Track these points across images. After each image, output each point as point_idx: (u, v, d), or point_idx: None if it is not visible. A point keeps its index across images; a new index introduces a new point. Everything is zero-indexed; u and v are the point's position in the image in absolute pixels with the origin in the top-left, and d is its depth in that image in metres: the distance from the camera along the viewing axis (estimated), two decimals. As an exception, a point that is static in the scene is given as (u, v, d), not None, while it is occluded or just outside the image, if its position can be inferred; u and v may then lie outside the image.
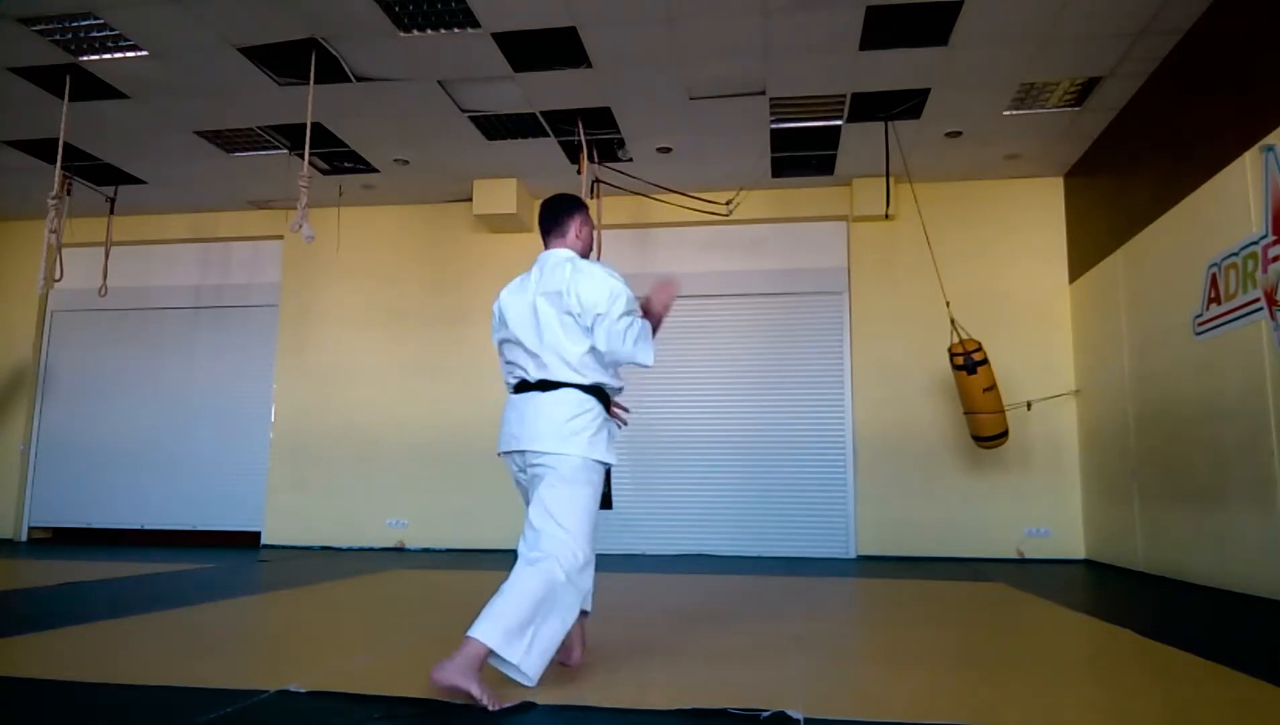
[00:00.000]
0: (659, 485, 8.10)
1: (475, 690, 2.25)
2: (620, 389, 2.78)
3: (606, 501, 2.67)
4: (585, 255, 2.87)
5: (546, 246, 2.86)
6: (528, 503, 2.62)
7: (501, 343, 2.80)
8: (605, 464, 2.64)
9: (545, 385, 2.62)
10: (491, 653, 2.30)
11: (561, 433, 2.56)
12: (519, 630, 2.32)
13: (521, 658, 2.31)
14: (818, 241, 8.30)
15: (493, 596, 2.38)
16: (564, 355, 2.61)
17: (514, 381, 2.75)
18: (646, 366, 2.66)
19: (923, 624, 3.81)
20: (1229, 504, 5.05)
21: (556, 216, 2.87)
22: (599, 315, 2.58)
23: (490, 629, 2.30)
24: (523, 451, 2.62)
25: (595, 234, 7.33)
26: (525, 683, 2.34)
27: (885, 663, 2.93)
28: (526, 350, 2.67)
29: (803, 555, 7.66)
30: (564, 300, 2.62)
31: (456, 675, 2.25)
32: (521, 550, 2.49)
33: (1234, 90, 5.01)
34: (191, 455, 8.99)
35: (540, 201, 2.94)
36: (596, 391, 2.65)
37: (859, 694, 2.50)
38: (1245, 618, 4.17)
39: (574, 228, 2.86)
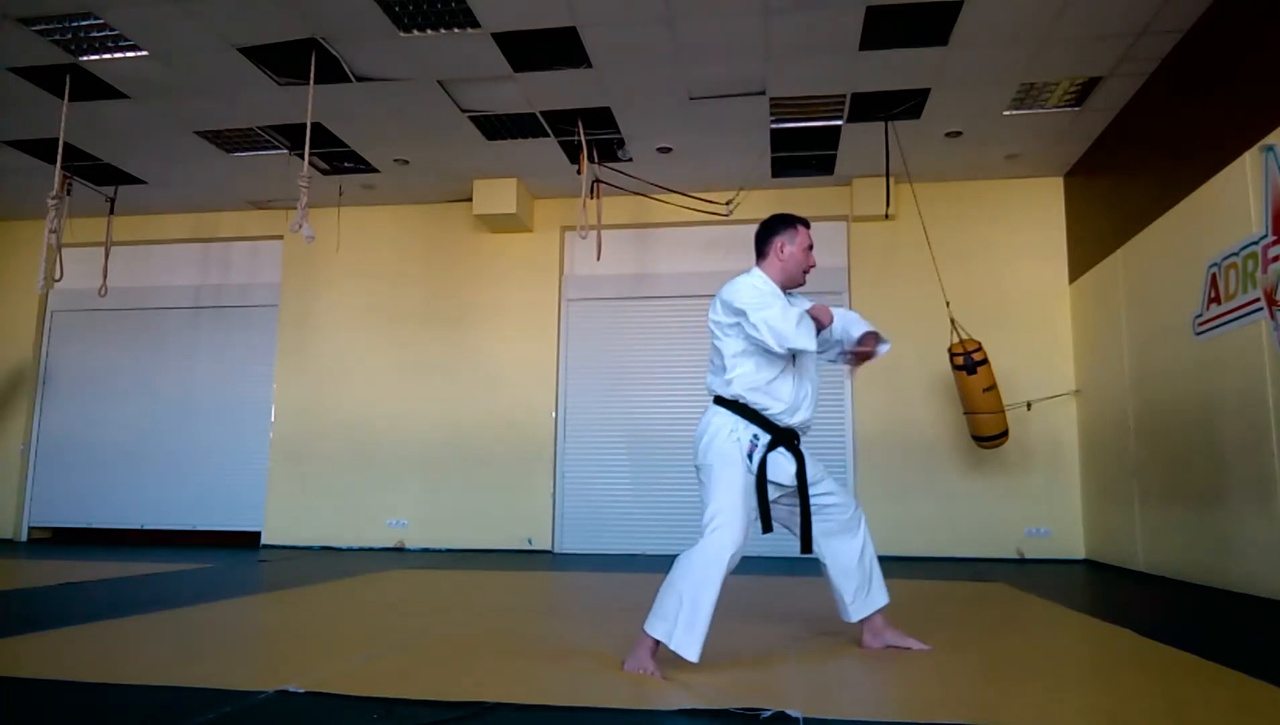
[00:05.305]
0: (659, 485, 8.10)
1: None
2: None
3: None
4: (787, 281, 3.00)
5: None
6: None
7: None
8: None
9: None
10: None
11: None
12: None
13: None
14: (818, 241, 8.14)
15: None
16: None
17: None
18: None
19: (923, 624, 3.81)
20: (1229, 504, 5.05)
21: (759, 237, 3.02)
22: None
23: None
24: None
25: (598, 236, 7.44)
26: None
27: (885, 663, 2.93)
28: None
29: (803, 555, 7.63)
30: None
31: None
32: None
33: (1234, 90, 5.01)
34: (191, 455, 8.99)
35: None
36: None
37: (859, 694, 2.50)
38: (1245, 618, 4.17)
39: (774, 248, 3.02)
